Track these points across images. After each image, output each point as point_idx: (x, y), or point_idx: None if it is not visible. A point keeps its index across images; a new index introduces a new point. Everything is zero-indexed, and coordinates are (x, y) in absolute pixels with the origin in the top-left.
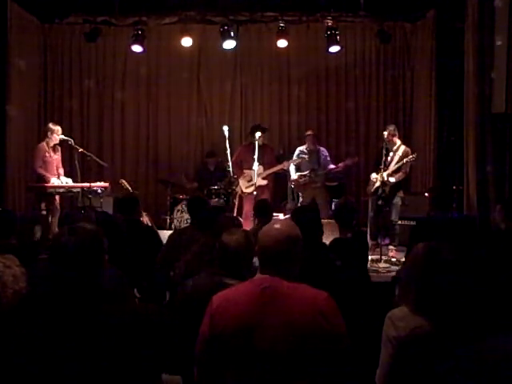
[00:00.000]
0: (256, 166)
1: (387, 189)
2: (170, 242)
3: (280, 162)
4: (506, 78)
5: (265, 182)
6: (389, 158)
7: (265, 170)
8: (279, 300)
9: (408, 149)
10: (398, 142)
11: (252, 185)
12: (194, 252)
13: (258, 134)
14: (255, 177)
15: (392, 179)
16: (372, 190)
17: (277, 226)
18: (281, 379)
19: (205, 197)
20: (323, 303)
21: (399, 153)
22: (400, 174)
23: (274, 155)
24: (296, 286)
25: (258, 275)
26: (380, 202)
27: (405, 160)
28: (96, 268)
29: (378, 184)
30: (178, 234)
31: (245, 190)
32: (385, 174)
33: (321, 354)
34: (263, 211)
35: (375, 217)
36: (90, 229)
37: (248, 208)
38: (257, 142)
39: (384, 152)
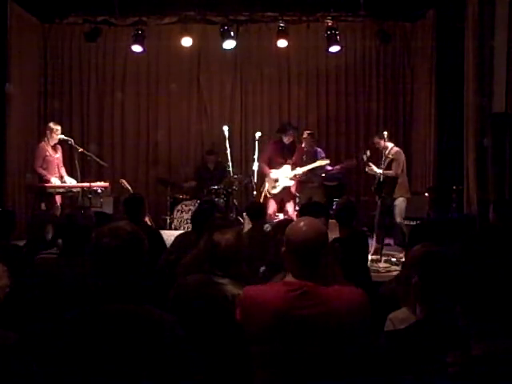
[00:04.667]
0: (286, 166)
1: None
2: (175, 242)
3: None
4: (506, 78)
5: (292, 183)
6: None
7: (292, 170)
8: (318, 301)
9: (398, 148)
10: (390, 144)
11: (278, 185)
12: (194, 255)
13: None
14: (284, 175)
15: (379, 170)
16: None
17: (305, 222)
18: (320, 374)
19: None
20: (360, 299)
21: (391, 155)
22: (390, 171)
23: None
24: (331, 286)
25: (291, 278)
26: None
27: (390, 155)
28: (136, 270)
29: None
30: (184, 235)
31: (272, 191)
32: (376, 169)
33: (361, 351)
34: (257, 214)
35: (381, 219)
36: (130, 230)
37: (273, 210)
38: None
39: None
